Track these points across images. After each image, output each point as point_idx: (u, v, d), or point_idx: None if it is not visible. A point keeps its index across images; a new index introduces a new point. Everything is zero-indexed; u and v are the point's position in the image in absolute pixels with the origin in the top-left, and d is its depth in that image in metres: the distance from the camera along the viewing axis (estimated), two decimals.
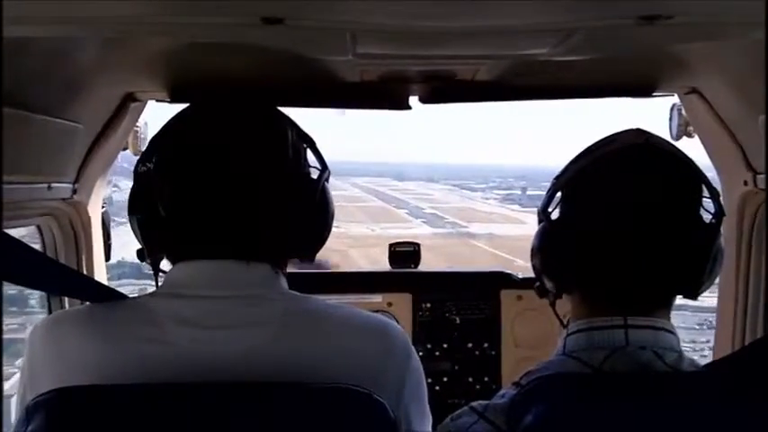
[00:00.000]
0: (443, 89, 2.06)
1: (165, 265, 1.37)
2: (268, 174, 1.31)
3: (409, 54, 1.61)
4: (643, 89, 2.13)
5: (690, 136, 2.25)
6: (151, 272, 1.38)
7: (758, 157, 1.98)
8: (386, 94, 2.10)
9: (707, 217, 1.32)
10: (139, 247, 1.38)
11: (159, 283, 1.37)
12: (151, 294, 1.34)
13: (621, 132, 1.35)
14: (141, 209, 1.33)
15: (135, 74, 1.97)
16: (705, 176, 1.33)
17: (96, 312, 1.32)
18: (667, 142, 1.35)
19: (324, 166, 1.39)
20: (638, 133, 1.33)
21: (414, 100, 2.17)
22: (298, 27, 1.20)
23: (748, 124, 1.91)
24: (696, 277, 1.30)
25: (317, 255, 1.43)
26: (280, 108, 1.42)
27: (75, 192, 2.07)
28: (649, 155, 1.30)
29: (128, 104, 2.09)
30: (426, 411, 1.39)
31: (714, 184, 1.35)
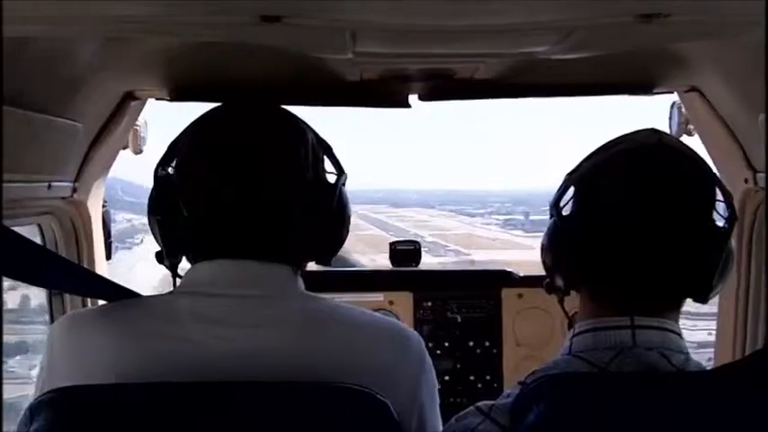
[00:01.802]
0: (443, 87, 2.06)
1: (180, 270, 1.38)
2: (289, 176, 1.32)
3: (409, 52, 1.61)
4: (643, 87, 2.13)
5: (690, 134, 2.25)
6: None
7: (758, 155, 1.98)
8: (385, 92, 2.10)
9: (719, 219, 1.30)
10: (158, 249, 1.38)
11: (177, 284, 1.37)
12: (170, 293, 1.34)
13: (635, 132, 1.34)
14: (162, 210, 1.34)
15: (134, 72, 1.97)
16: (718, 179, 1.31)
17: (115, 310, 1.32)
18: (681, 143, 1.34)
19: (341, 171, 1.40)
20: (652, 133, 1.32)
21: (413, 98, 2.17)
22: (296, 25, 1.20)
23: (748, 122, 1.91)
24: (706, 281, 1.28)
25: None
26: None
27: (75, 190, 2.07)
28: (662, 155, 1.29)
29: (127, 103, 2.09)
30: (438, 414, 1.40)
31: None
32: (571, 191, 1.36)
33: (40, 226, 2.15)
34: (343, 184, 1.39)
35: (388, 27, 1.26)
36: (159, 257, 1.38)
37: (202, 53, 1.75)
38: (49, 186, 1.88)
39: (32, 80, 1.60)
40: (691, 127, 2.23)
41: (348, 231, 1.43)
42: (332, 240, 1.40)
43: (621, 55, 1.53)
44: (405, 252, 2.78)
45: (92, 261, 2.26)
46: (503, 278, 2.70)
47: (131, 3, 1.12)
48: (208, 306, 1.26)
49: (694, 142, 2.23)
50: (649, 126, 1.35)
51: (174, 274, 1.38)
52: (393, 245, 2.80)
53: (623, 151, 1.32)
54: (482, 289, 2.67)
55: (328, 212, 1.35)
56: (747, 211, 2.13)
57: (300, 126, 1.38)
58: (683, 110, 2.24)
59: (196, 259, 1.34)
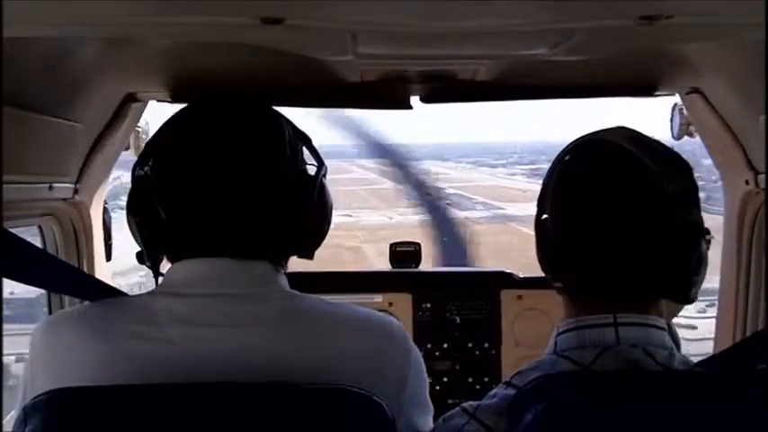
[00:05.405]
0: (444, 89, 2.07)
1: (163, 269, 1.38)
2: (264, 171, 1.32)
3: (410, 54, 1.61)
4: (644, 89, 2.13)
5: (691, 135, 2.25)
6: None
7: (759, 156, 1.98)
8: (386, 93, 2.10)
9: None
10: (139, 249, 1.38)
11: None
12: (150, 293, 1.34)
13: (601, 130, 1.35)
14: (140, 211, 1.34)
15: (136, 74, 1.97)
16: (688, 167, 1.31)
17: (93, 311, 1.32)
18: (647, 138, 1.34)
19: (321, 163, 1.39)
20: (620, 130, 1.33)
21: (414, 99, 2.17)
22: (298, 27, 1.20)
23: (749, 124, 1.91)
24: (683, 274, 1.28)
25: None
26: (279, 107, 1.43)
27: (76, 192, 2.07)
28: (623, 153, 1.29)
29: (129, 104, 2.09)
30: (427, 404, 1.40)
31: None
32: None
33: (40, 227, 2.15)
34: (324, 176, 1.39)
35: (389, 29, 1.26)
36: (140, 258, 1.38)
37: (203, 55, 1.75)
38: (51, 188, 1.88)
39: (33, 81, 1.60)
40: (692, 128, 2.24)
41: (330, 223, 1.42)
42: (312, 234, 1.39)
43: (623, 57, 1.53)
44: (405, 253, 2.78)
45: (92, 262, 2.26)
46: (502, 279, 2.70)
47: (132, 3, 1.12)
48: (184, 306, 1.26)
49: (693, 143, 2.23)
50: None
51: (156, 274, 1.38)
52: (393, 246, 2.81)
53: (585, 153, 1.33)
54: (482, 290, 2.68)
55: (307, 206, 1.35)
56: (748, 212, 2.13)
57: (276, 120, 1.38)
58: (685, 111, 2.24)
59: (175, 259, 1.34)
